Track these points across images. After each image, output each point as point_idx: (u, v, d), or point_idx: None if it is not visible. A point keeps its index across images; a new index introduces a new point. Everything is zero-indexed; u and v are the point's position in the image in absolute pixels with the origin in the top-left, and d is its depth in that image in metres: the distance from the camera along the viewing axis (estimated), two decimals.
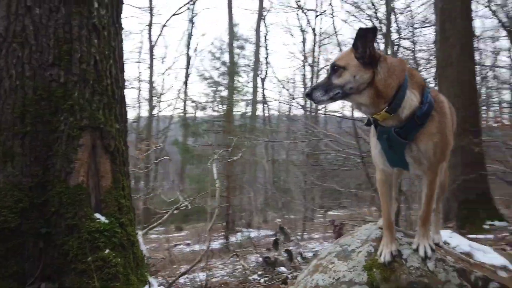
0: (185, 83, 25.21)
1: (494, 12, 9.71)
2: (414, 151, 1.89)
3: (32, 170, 2.66)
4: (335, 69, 1.85)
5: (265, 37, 24.18)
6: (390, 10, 10.85)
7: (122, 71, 3.24)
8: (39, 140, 2.71)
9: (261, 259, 6.34)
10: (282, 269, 5.36)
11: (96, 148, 2.84)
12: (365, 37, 1.78)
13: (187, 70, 25.46)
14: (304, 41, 24.24)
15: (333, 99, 1.88)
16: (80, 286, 2.49)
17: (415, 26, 15.29)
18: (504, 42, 16.78)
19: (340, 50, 11.51)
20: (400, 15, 15.88)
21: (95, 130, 2.84)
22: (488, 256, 2.40)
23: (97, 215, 2.71)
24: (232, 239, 13.66)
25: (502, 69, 16.24)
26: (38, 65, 2.76)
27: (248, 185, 17.72)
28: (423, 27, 18.02)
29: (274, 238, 5.61)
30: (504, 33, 14.08)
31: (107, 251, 2.62)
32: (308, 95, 1.90)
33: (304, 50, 24.19)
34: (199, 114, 20.87)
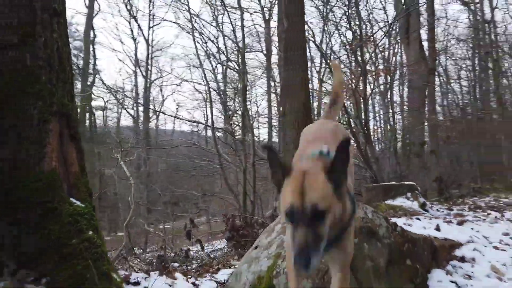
0: None
1: (318, 46, 12.37)
2: None
3: (0, 154, 2.48)
4: (319, 213, 1.61)
5: (93, 41, 22.86)
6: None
7: None
8: (6, 123, 2.54)
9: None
10: (176, 264, 5.69)
11: (63, 136, 2.81)
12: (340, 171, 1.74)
13: None
14: (136, 50, 24.02)
15: None
16: (65, 269, 2.49)
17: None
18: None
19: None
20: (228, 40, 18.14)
21: (63, 117, 2.81)
22: None
23: (73, 200, 2.71)
24: None
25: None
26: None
27: None
28: (250, 52, 21.25)
29: (187, 229, 5.83)
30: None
31: (90, 232, 2.66)
32: (308, 268, 1.55)
33: (136, 60, 23.94)
34: None
